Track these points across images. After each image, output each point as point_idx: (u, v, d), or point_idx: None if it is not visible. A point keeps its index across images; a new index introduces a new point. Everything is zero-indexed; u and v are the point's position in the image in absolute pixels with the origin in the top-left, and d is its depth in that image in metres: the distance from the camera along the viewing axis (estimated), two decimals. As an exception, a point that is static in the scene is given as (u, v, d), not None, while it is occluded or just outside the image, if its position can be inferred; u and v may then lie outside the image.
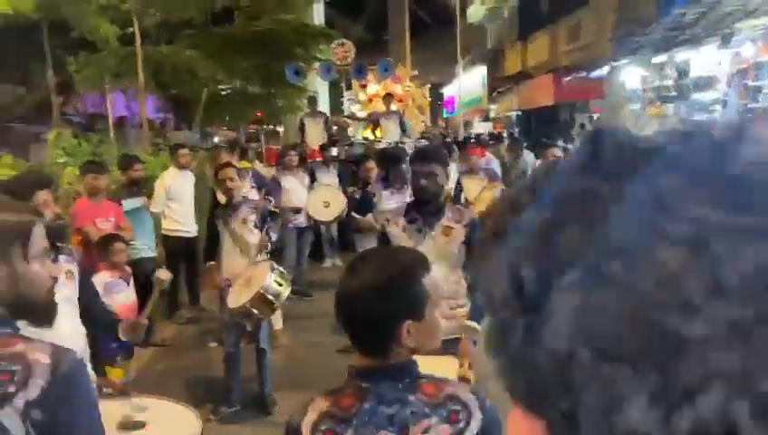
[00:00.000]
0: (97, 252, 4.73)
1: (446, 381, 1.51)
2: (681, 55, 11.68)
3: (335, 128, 11.23)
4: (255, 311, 4.06)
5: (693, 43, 10.89)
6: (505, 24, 23.18)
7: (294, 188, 7.34)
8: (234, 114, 15.28)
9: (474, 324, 2.44)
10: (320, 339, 5.58)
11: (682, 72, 12.06)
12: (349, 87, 14.43)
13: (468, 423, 1.38)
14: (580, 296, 0.33)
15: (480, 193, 6.26)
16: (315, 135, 10.29)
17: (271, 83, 13.95)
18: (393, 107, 11.54)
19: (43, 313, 1.40)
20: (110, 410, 2.34)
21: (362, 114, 14.11)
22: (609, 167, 0.35)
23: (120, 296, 4.41)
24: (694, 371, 0.29)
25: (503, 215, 0.40)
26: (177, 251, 6.64)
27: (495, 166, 8.51)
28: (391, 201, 5.09)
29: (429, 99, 18.87)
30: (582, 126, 17.99)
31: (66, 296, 2.51)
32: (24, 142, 12.00)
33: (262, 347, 4.56)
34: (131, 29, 10.53)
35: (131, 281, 4.70)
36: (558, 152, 6.66)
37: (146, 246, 5.98)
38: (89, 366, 2.47)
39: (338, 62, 12.60)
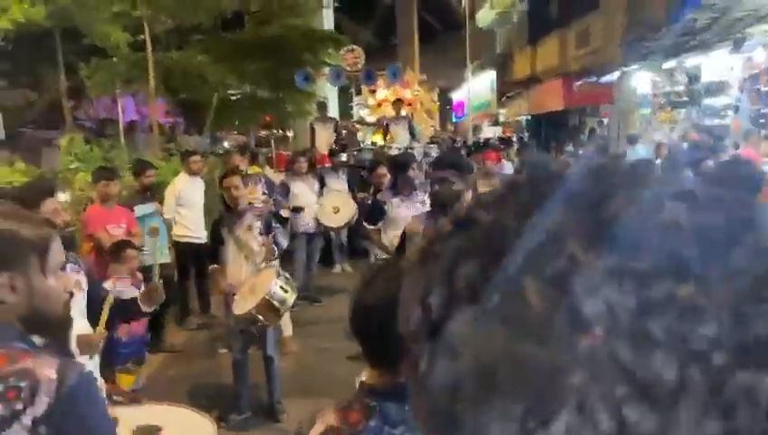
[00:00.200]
0: (109, 258, 4.74)
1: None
2: (692, 60, 11.63)
3: (344, 132, 11.25)
4: (261, 317, 4.04)
5: (703, 48, 10.85)
6: (515, 28, 23.12)
7: (304, 194, 7.34)
8: (243, 119, 15.32)
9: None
10: (329, 345, 5.58)
11: (693, 78, 12.01)
12: (358, 92, 14.47)
13: None
14: (469, 328, 0.34)
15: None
16: (325, 140, 10.32)
17: (280, 88, 13.99)
18: (402, 112, 11.55)
19: (58, 328, 1.40)
20: (126, 418, 2.35)
21: (371, 119, 14.15)
22: (521, 203, 0.37)
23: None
24: (550, 400, 0.31)
25: (429, 241, 0.41)
26: (188, 257, 6.65)
27: (509, 169, 8.56)
28: (401, 208, 5.05)
29: (438, 103, 18.89)
30: (592, 130, 17.94)
31: (77, 308, 2.52)
32: (36, 147, 12.06)
33: (269, 355, 4.52)
34: (142, 36, 10.58)
35: (142, 288, 4.70)
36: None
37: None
38: (98, 374, 2.48)
39: (348, 68, 12.65)
